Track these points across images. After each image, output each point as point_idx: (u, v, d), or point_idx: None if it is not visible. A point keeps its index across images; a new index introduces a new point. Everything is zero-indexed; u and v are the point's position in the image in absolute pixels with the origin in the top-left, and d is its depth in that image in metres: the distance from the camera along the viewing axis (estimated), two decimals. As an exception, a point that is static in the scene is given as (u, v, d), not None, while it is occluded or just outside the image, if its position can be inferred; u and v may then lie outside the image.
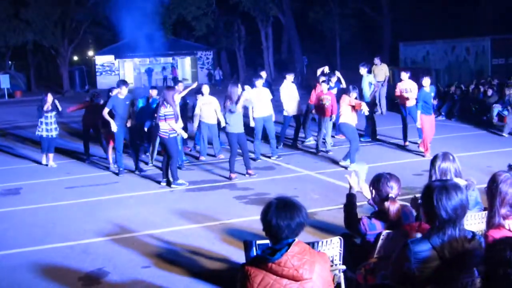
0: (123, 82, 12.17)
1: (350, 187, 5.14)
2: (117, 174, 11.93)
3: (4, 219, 9.21)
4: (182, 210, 9.16)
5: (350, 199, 5.09)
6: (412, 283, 3.51)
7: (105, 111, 11.63)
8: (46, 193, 10.82)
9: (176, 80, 14.84)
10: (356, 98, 11.60)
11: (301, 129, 14.46)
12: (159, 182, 10.95)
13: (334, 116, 12.83)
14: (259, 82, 12.73)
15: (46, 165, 13.33)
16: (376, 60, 18.55)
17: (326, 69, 14.85)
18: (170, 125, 10.46)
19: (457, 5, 36.63)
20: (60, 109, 13.27)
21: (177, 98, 11.37)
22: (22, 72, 45.43)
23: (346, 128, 11.55)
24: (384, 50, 38.17)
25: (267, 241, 3.86)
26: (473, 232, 3.62)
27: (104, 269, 6.80)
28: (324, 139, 13.32)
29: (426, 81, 12.42)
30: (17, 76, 42.84)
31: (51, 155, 13.36)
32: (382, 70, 19.08)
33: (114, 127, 11.53)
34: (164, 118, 10.45)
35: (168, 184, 10.76)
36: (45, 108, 12.97)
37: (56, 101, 13.15)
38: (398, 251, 3.64)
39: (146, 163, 12.72)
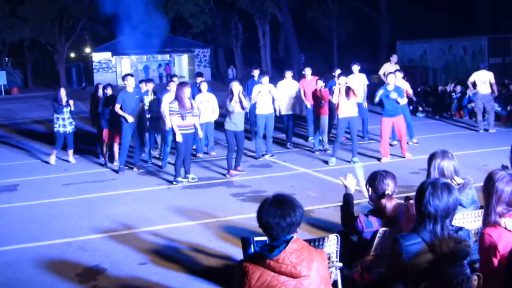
0: (128, 74, 12.18)
1: (346, 188, 5.16)
2: (116, 171, 11.91)
3: (1, 215, 9.21)
4: (179, 207, 9.17)
5: (347, 199, 5.10)
6: (406, 278, 3.56)
7: (117, 107, 11.59)
8: (43, 190, 10.82)
9: (171, 77, 14.82)
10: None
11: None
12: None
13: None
14: (265, 79, 12.69)
15: (67, 161, 13.12)
16: (394, 57, 17.69)
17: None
18: (171, 122, 10.47)
19: (455, 4, 36.70)
20: (72, 108, 12.97)
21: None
22: (19, 68, 45.36)
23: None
24: (381, 49, 38.19)
25: (265, 238, 3.88)
26: (460, 227, 3.74)
27: (101, 266, 6.81)
28: (321, 137, 13.30)
29: (390, 78, 12.11)
30: (14, 72, 42.79)
31: (70, 151, 13.13)
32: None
33: (130, 118, 11.57)
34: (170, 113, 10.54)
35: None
36: (63, 103, 12.72)
37: (71, 101, 12.90)
38: (390, 247, 3.72)
39: (146, 161, 12.74)
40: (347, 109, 11.58)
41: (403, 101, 12.22)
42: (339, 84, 11.61)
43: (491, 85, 15.31)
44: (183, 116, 10.42)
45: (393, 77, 12.18)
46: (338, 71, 13.89)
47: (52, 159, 13.09)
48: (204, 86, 12.75)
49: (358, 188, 5.27)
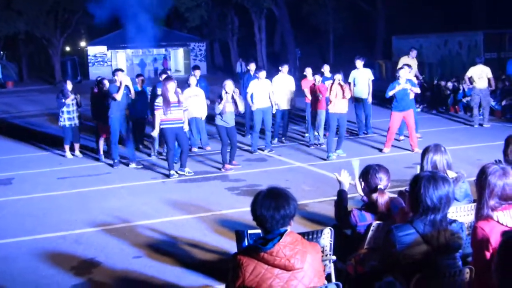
0: (117, 69, 12.15)
1: (340, 184, 5.16)
2: (111, 165, 11.89)
3: (-5, 209, 9.21)
4: (174, 201, 9.18)
5: (341, 195, 5.10)
6: (399, 270, 3.58)
7: (118, 96, 11.41)
8: (38, 184, 10.81)
9: (165, 71, 14.64)
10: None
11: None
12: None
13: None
14: (262, 74, 12.70)
15: (73, 155, 13.01)
16: (413, 53, 17.12)
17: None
18: (155, 116, 10.57)
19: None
20: (79, 103, 12.94)
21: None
22: (14, 62, 45.14)
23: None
24: (377, 43, 38.23)
25: (259, 231, 3.89)
26: (454, 219, 3.78)
27: (96, 259, 6.82)
28: (317, 132, 13.30)
29: (402, 73, 12.16)
30: (9, 66, 42.57)
31: (77, 145, 13.08)
32: (413, 65, 16.76)
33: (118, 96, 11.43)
34: (155, 108, 10.61)
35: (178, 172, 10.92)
36: (68, 100, 12.64)
37: (78, 96, 12.88)
38: (384, 238, 3.75)
39: (149, 155, 12.76)
40: (339, 105, 11.67)
41: (415, 89, 12.37)
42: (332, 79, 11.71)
43: (488, 79, 15.33)
44: (165, 111, 10.45)
45: (405, 71, 12.27)
46: (326, 67, 13.85)
47: (68, 154, 13.01)
48: (193, 80, 12.72)
49: (352, 182, 5.28)
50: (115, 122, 11.57)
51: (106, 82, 12.69)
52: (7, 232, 8.00)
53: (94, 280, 6.25)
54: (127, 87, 11.64)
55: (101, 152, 12.61)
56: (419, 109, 18.44)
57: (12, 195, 10.06)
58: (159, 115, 10.49)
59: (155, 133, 10.72)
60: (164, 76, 12.68)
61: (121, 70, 12.15)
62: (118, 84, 11.53)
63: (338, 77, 11.60)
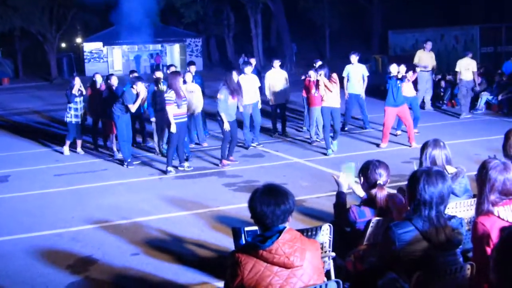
0: (137, 78, 11.70)
1: (339, 185, 5.11)
2: (122, 165, 11.63)
3: (-9, 207, 9.15)
4: (171, 197, 9.14)
5: (339, 197, 5.06)
6: (399, 267, 3.56)
7: (133, 108, 11.19)
8: (35, 181, 10.75)
9: (159, 68, 14.46)
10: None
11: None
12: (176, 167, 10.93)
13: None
14: (248, 69, 12.71)
15: (75, 151, 12.92)
16: (428, 45, 17.14)
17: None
18: (167, 111, 10.44)
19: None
20: (84, 92, 12.81)
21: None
22: (10, 58, 44.96)
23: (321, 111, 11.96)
24: (373, 38, 38.22)
25: (255, 228, 3.86)
26: (453, 215, 3.76)
27: (93, 257, 6.78)
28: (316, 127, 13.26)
29: (394, 68, 12.21)
30: (4, 63, 42.43)
31: (79, 142, 12.97)
32: (430, 58, 17.22)
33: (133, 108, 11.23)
34: (165, 103, 10.51)
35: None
36: (74, 92, 12.51)
37: (81, 86, 12.79)
38: (383, 235, 3.73)
39: (151, 151, 12.73)
40: (331, 100, 11.59)
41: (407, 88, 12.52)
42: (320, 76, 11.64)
43: (473, 73, 15.62)
44: (179, 105, 10.42)
45: (395, 67, 12.27)
46: (319, 63, 13.80)
47: (66, 150, 12.93)
48: (188, 77, 12.63)
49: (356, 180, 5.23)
50: (122, 121, 11.32)
51: (114, 79, 12.60)
52: (3, 229, 7.96)
53: (91, 278, 6.22)
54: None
55: (115, 149, 12.52)
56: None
57: (8, 193, 10.00)
58: (171, 109, 10.39)
59: (174, 129, 10.43)
60: (159, 73, 12.64)
61: (141, 79, 11.75)
62: (135, 92, 11.20)
63: (321, 78, 11.50)
